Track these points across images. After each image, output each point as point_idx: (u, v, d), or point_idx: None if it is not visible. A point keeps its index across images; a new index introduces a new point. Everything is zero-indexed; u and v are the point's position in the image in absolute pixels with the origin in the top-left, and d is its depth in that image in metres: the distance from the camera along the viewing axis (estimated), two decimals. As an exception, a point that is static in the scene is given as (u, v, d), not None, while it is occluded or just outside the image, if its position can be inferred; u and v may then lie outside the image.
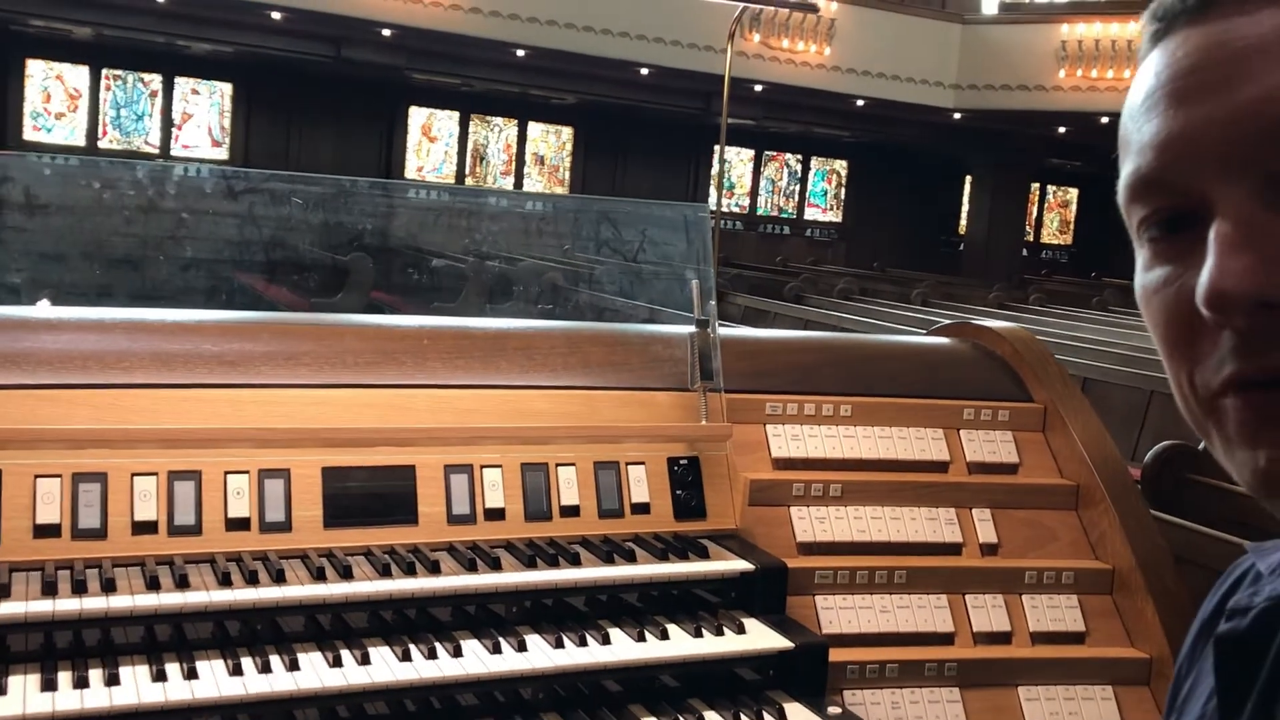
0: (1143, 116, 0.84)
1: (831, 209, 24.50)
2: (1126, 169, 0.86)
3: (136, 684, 1.75)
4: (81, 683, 1.73)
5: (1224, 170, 0.78)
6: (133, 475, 2.00)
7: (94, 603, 1.81)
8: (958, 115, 19.28)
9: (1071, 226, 26.15)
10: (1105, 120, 17.94)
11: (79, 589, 1.83)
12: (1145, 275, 0.86)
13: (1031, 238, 25.18)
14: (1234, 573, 1.02)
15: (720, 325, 2.51)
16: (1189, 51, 0.82)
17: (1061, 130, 19.60)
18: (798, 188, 24.10)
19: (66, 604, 1.80)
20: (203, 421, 2.07)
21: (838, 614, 2.26)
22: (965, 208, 23.72)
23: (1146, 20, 0.87)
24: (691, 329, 2.46)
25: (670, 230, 2.73)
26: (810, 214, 24.27)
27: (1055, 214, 26.21)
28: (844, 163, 24.31)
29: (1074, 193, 26.03)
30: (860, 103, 18.80)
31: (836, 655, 2.15)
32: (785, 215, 24.07)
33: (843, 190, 24.45)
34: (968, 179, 23.18)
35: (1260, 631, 0.87)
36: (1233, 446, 0.82)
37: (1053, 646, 2.34)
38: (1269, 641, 0.86)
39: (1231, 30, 0.80)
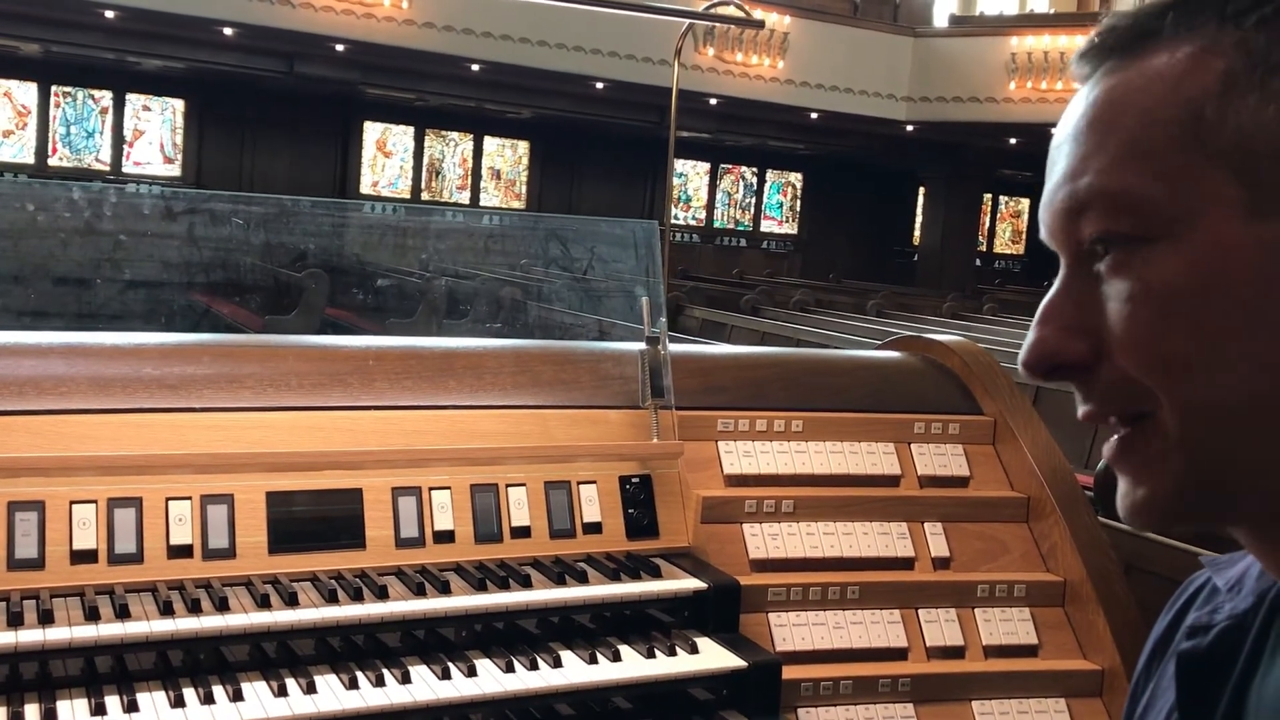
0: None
1: (787, 221, 24.63)
2: None
3: (74, 719, 1.71)
4: (17, 718, 1.68)
5: (1054, 243, 0.87)
6: (71, 503, 1.95)
7: (30, 635, 1.76)
8: (910, 127, 19.45)
9: (1024, 236, 26.41)
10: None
11: (14, 621, 1.79)
12: None
13: (984, 248, 25.42)
14: (1189, 588, 1.02)
15: (673, 339, 2.50)
16: (1064, 115, 0.88)
17: (1013, 141, 19.81)
18: (754, 200, 24.21)
19: (1, 637, 1.75)
20: (143, 447, 2.03)
21: (791, 631, 2.25)
22: (919, 219, 23.92)
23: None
24: (642, 345, 2.44)
25: (620, 247, 2.72)
26: (766, 226, 24.39)
27: (1007, 224, 26.47)
28: (799, 175, 24.45)
29: (1025, 203, 26.30)
30: (814, 115, 18.92)
31: (790, 673, 2.13)
32: (741, 228, 24.16)
33: (798, 202, 24.59)
34: (921, 190, 23.39)
35: (1222, 650, 0.87)
36: None
37: (1006, 660, 2.34)
38: (1231, 661, 0.86)
39: (1083, 97, 0.86)
